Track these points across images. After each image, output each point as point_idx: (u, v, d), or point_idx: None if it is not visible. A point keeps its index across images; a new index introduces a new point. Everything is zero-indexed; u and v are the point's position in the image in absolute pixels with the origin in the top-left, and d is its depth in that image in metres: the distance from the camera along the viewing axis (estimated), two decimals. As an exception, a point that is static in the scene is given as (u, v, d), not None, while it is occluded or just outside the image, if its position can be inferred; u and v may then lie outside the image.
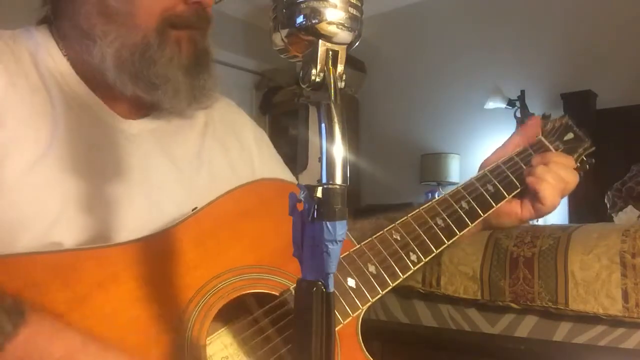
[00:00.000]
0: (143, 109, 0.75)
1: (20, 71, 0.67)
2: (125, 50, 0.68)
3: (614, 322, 0.86)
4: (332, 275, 0.37)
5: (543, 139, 0.92)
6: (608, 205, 2.31)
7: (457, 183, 3.73)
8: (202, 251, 0.63)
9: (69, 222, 0.62)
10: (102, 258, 0.58)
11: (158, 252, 0.61)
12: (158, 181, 0.71)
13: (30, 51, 0.70)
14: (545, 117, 0.97)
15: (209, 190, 0.69)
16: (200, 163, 0.78)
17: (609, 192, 2.31)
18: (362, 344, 0.67)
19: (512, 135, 0.93)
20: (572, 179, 0.85)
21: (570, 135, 0.94)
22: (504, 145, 0.92)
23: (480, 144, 3.67)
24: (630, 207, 2.18)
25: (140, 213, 0.66)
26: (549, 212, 0.86)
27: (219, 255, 0.64)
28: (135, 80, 0.69)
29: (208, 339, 0.61)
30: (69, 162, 0.64)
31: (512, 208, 0.88)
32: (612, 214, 2.27)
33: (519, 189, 0.84)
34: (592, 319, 0.88)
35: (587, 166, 0.95)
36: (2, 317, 0.47)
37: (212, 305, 0.60)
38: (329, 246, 0.36)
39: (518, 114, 3.46)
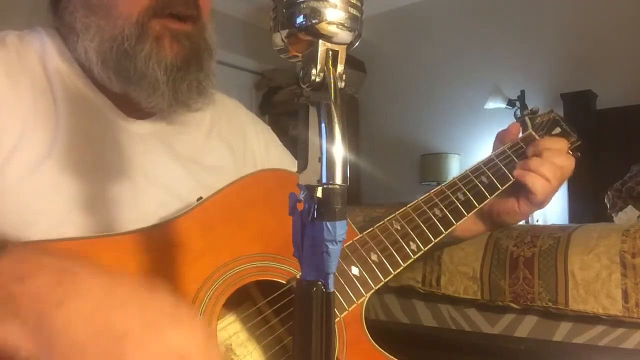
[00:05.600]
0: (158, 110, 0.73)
1: (25, 71, 0.66)
2: (105, 43, 0.66)
3: (614, 322, 0.86)
4: (332, 275, 0.37)
5: (533, 132, 0.94)
6: (608, 205, 2.32)
7: (457, 183, 3.72)
8: (209, 240, 0.63)
9: (74, 223, 0.62)
10: (111, 246, 0.58)
11: (166, 241, 0.61)
12: (164, 180, 0.71)
13: (37, 51, 0.69)
14: (533, 112, 0.99)
15: (216, 189, 0.69)
16: (206, 163, 0.78)
17: (609, 192, 2.31)
18: (366, 329, 0.69)
19: (494, 142, 0.94)
20: (567, 163, 0.86)
21: (557, 130, 0.97)
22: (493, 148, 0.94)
23: (480, 144, 3.67)
24: (630, 207, 2.18)
25: (146, 213, 0.66)
26: (544, 202, 0.86)
27: (225, 243, 0.64)
28: (117, 76, 0.67)
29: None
30: (73, 163, 0.64)
31: (509, 205, 0.88)
32: (612, 214, 2.27)
33: (512, 181, 0.85)
34: (592, 319, 0.88)
35: (574, 159, 0.97)
36: None
37: (221, 293, 0.61)
38: (329, 246, 0.36)
39: (518, 114, 3.46)
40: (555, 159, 0.85)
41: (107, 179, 0.66)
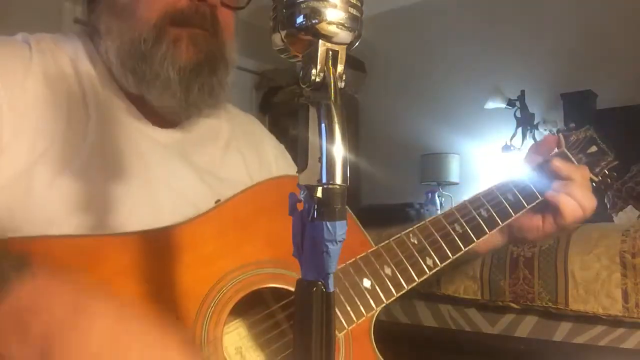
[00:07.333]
0: (170, 119, 0.76)
1: (61, 78, 0.69)
2: (124, 46, 0.69)
3: (614, 322, 0.87)
4: (332, 275, 0.37)
5: (567, 151, 0.89)
6: (608, 205, 2.32)
7: (457, 183, 3.73)
8: (223, 243, 0.64)
9: (90, 225, 0.63)
10: (120, 246, 0.59)
11: (180, 242, 0.61)
12: (182, 189, 0.72)
13: (70, 56, 0.72)
14: (569, 129, 0.94)
15: None
16: (222, 175, 0.79)
17: (609, 192, 2.31)
18: (374, 345, 0.68)
19: (527, 153, 0.90)
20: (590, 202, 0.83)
21: (593, 149, 0.92)
22: (523, 161, 0.90)
23: (480, 144, 3.66)
24: (630, 207, 2.19)
25: (162, 220, 0.66)
26: (571, 226, 0.83)
27: (238, 248, 0.64)
28: (133, 76, 0.70)
29: (225, 328, 0.61)
30: (96, 167, 0.66)
31: (533, 222, 0.85)
32: (612, 214, 2.27)
33: (539, 200, 0.82)
34: (592, 319, 0.88)
35: (609, 180, 0.92)
36: (5, 267, 0.47)
37: (229, 298, 0.61)
38: (329, 246, 0.36)
39: (518, 114, 3.46)
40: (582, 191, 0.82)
41: (127, 184, 0.67)
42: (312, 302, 0.37)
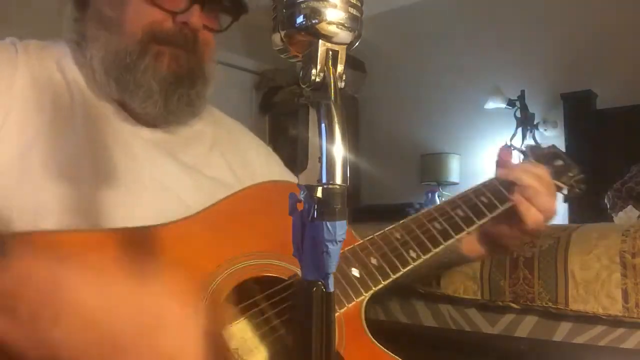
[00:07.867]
0: (152, 123, 0.78)
1: (45, 75, 0.72)
2: (109, 55, 0.73)
3: (614, 322, 0.87)
4: (332, 275, 0.37)
5: (534, 162, 0.95)
6: (608, 205, 2.32)
7: (457, 183, 3.73)
8: (218, 237, 0.67)
9: (77, 222, 0.64)
10: (123, 239, 0.60)
11: (174, 236, 0.63)
12: (168, 184, 0.74)
13: (58, 60, 0.75)
14: (535, 147, 1.02)
15: (217, 198, 0.71)
16: (207, 174, 0.81)
17: (609, 192, 2.31)
18: (366, 327, 0.71)
19: (496, 164, 0.95)
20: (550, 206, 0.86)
21: (559, 162, 0.99)
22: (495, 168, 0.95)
23: (480, 144, 3.67)
24: (630, 207, 2.19)
25: (151, 214, 0.68)
26: (536, 231, 0.87)
27: (232, 240, 0.67)
28: (117, 85, 0.73)
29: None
30: (84, 161, 0.68)
31: (503, 230, 0.88)
32: (612, 214, 2.27)
33: (512, 203, 0.86)
34: (592, 319, 0.88)
35: (578, 190, 0.98)
36: None
37: (223, 287, 0.62)
38: (329, 246, 0.36)
39: (518, 114, 3.46)
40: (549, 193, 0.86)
41: (115, 180, 0.69)
42: (312, 302, 0.37)
